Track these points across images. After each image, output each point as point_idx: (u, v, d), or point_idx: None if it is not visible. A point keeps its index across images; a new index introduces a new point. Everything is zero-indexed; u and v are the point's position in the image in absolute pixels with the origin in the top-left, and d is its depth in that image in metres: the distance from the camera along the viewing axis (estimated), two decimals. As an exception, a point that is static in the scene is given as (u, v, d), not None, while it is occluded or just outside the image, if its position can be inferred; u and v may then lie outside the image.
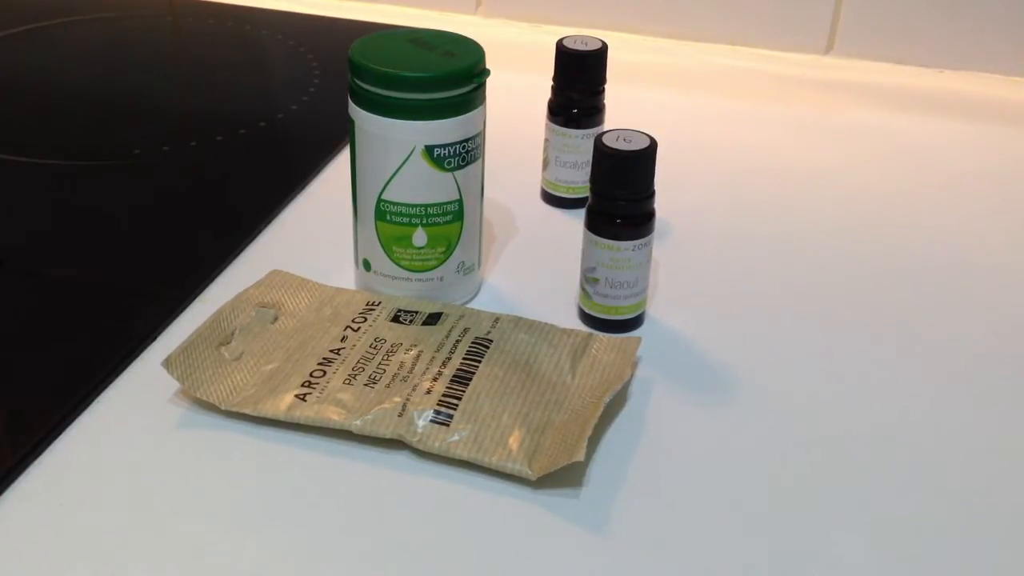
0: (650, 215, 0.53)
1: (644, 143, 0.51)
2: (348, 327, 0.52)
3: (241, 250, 0.60)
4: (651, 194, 0.52)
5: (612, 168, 0.51)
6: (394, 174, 0.52)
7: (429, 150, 0.51)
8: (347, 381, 0.48)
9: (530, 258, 0.61)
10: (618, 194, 0.52)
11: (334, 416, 0.47)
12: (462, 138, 0.52)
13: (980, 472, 0.47)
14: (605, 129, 0.57)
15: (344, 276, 0.57)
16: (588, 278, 0.54)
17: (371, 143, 0.52)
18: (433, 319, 0.52)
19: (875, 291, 0.59)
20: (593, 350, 0.51)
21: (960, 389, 0.52)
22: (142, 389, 0.50)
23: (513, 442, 0.45)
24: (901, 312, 0.57)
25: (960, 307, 0.58)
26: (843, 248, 0.63)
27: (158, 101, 0.78)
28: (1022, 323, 0.57)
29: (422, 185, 0.52)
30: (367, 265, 0.55)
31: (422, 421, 0.46)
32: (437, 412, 0.46)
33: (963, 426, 0.50)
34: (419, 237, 0.53)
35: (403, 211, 0.53)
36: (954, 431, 0.49)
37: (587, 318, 0.55)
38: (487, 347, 0.50)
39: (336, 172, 0.68)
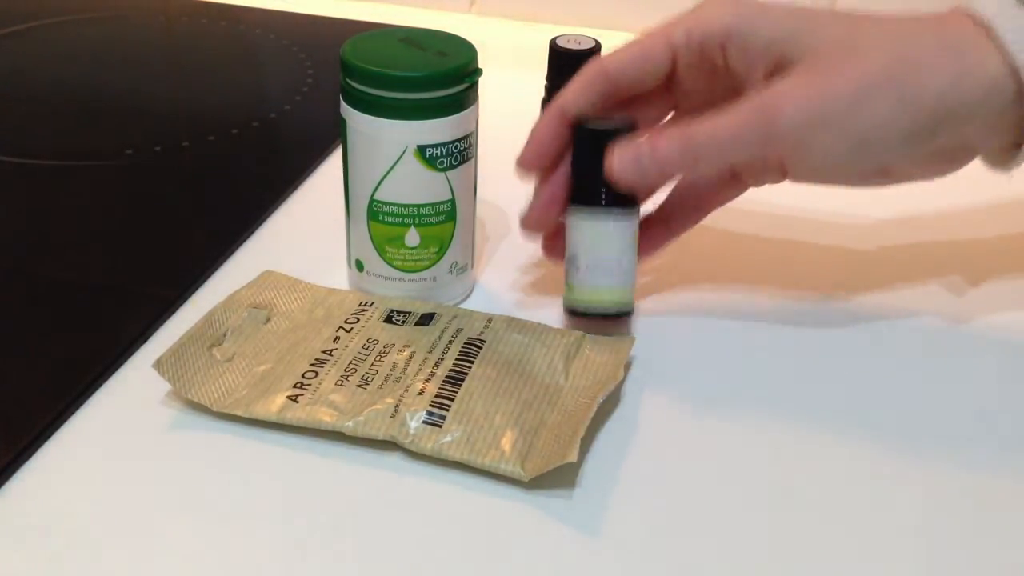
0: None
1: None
2: (340, 328, 0.52)
3: (233, 251, 0.60)
4: None
5: (592, 148, 0.51)
6: (386, 174, 0.52)
7: (421, 150, 0.51)
8: (339, 382, 0.48)
9: (523, 258, 0.60)
10: (598, 168, 0.50)
11: (326, 418, 0.46)
12: (454, 138, 0.52)
13: (982, 472, 0.47)
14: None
15: (337, 277, 0.57)
16: (571, 267, 0.53)
17: (363, 143, 0.52)
18: (426, 320, 0.52)
19: (872, 291, 0.59)
20: (586, 351, 0.51)
21: (960, 389, 0.52)
22: (133, 391, 0.49)
23: (506, 443, 0.45)
24: (899, 313, 0.57)
25: (958, 308, 0.58)
26: (841, 248, 0.62)
27: (150, 101, 0.78)
28: (1018, 325, 0.57)
29: (414, 185, 0.52)
30: (360, 265, 0.55)
31: (414, 422, 0.46)
32: (429, 413, 0.46)
33: (964, 428, 0.49)
34: (412, 237, 0.53)
35: (396, 211, 0.53)
36: (955, 433, 0.49)
37: (569, 312, 0.53)
38: (480, 348, 0.50)
39: (329, 172, 0.68)
